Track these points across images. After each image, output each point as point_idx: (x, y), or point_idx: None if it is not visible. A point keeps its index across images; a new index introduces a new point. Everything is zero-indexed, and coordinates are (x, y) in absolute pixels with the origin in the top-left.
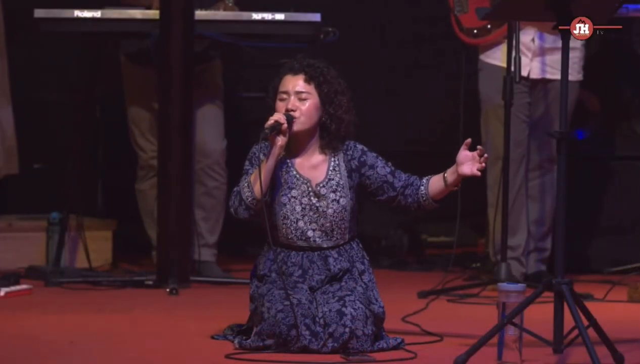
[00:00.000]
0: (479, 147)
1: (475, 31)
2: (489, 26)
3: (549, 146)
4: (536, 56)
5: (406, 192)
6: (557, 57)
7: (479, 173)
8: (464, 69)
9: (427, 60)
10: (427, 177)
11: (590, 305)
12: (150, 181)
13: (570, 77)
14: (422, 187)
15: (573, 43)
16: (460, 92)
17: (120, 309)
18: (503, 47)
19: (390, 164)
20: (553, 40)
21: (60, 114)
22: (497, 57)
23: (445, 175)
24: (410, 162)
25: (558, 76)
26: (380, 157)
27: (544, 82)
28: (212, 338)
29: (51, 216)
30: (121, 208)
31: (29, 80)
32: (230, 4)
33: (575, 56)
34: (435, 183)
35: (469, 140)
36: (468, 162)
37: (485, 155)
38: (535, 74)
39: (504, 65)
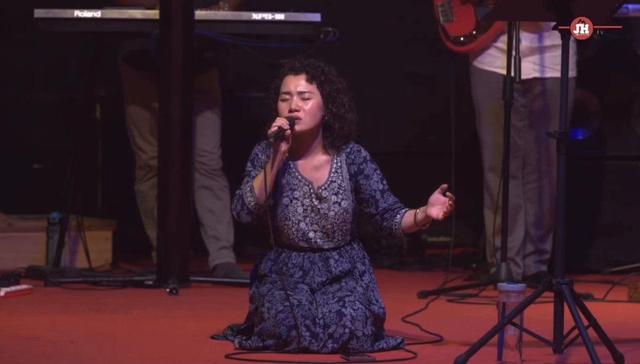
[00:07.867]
0: (448, 194)
1: (462, 39)
2: (474, 32)
3: (547, 147)
4: (524, 57)
5: (385, 215)
6: (545, 55)
7: (441, 218)
8: (455, 71)
9: (427, 61)
10: (406, 209)
11: (590, 305)
12: (149, 181)
13: (559, 75)
14: (398, 217)
15: (560, 41)
16: (451, 96)
17: (120, 309)
18: (491, 52)
19: (385, 182)
20: (538, 40)
21: (60, 114)
22: (485, 61)
23: (417, 212)
24: (409, 163)
25: (547, 74)
26: (378, 171)
27: (535, 81)
28: (212, 338)
29: (51, 216)
30: (121, 208)
31: (29, 80)
32: (225, 8)
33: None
34: (408, 217)
35: (444, 185)
36: (437, 206)
37: (451, 202)
38: (525, 75)
39: (493, 69)
